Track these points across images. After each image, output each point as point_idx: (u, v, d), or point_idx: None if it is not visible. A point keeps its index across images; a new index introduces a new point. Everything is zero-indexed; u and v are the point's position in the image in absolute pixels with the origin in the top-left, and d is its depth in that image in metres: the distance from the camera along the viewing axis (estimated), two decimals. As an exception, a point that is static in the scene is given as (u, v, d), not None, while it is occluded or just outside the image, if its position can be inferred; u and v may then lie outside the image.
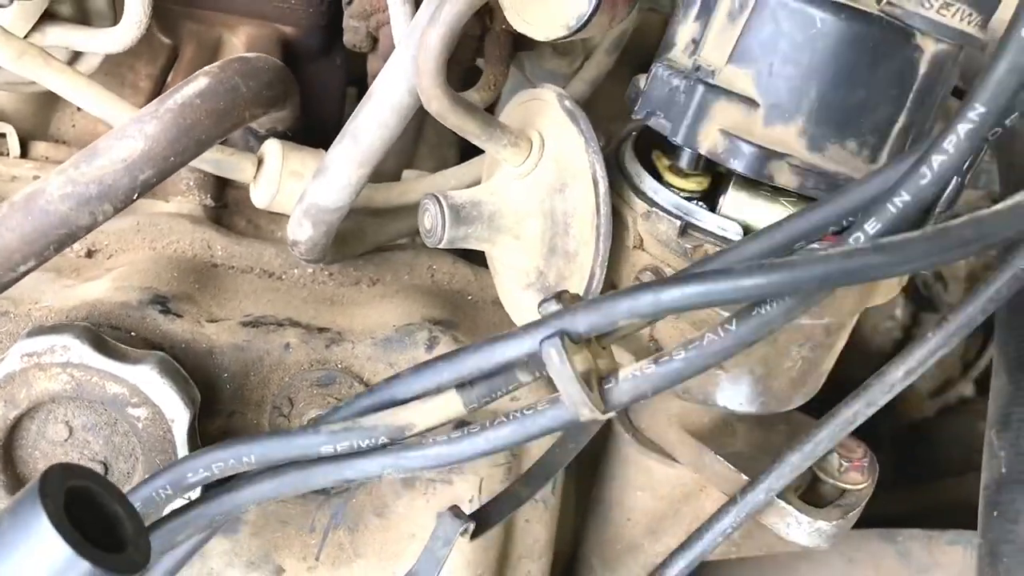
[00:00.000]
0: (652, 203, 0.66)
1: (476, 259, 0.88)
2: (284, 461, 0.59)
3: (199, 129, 0.64)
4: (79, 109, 1.00)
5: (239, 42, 0.97)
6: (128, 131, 0.62)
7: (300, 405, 0.74)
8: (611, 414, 0.55)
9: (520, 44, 0.87)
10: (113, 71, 0.94)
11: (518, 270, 0.72)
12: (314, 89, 0.96)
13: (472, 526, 0.65)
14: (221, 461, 0.59)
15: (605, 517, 0.84)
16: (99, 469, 0.68)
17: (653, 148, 0.70)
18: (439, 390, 0.59)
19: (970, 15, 0.59)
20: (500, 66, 0.82)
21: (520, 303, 0.74)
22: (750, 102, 0.62)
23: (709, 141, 0.63)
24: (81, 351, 0.63)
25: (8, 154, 0.90)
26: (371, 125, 0.66)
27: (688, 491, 0.79)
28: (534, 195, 0.69)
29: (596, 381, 0.54)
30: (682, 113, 0.63)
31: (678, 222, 0.64)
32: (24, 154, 0.91)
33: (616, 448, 0.82)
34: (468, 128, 0.66)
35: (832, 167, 0.62)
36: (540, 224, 0.69)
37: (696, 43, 0.64)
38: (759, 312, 0.53)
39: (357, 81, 1.07)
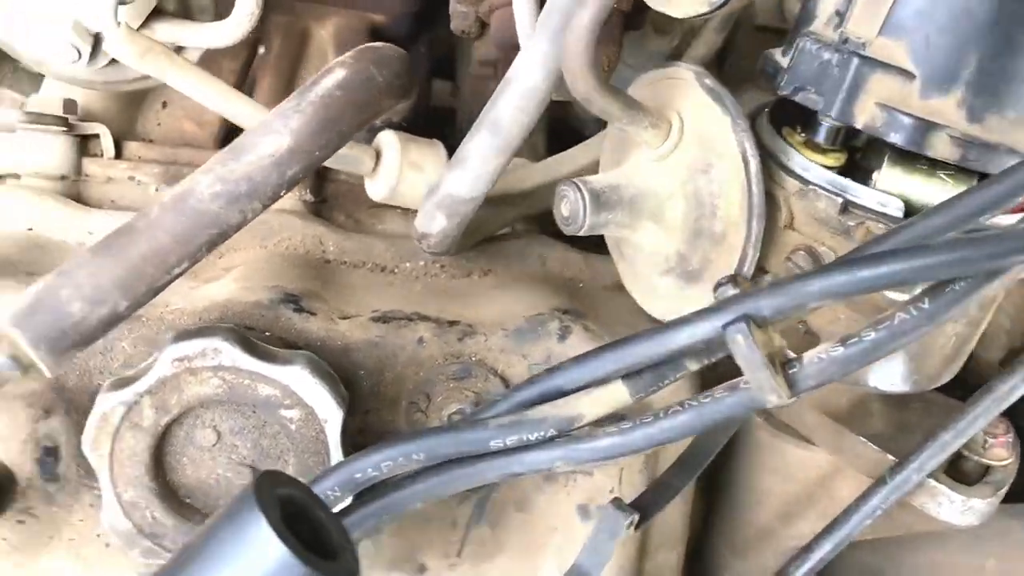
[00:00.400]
0: (804, 181, 0.64)
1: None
2: (453, 456, 0.58)
3: (341, 121, 0.63)
4: (164, 107, 1.00)
5: (326, 33, 0.95)
6: (273, 126, 0.61)
7: (437, 400, 0.72)
8: (796, 399, 0.54)
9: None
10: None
11: (656, 255, 0.71)
12: None
13: (637, 518, 0.63)
14: (390, 460, 0.57)
15: (735, 502, 0.83)
16: (247, 474, 0.66)
17: (782, 124, 0.68)
18: (604, 380, 0.58)
19: None
20: (613, 46, 0.80)
21: (656, 289, 0.73)
22: (906, 73, 0.60)
23: (865, 115, 0.61)
24: (232, 353, 0.62)
25: (102, 155, 0.89)
26: (511, 113, 0.65)
27: (823, 474, 0.78)
28: (676, 177, 0.67)
29: (780, 366, 0.53)
30: (836, 88, 0.61)
31: (838, 199, 0.62)
32: (118, 154, 0.90)
33: (747, 432, 0.80)
34: (612, 110, 0.64)
35: (992, 138, 0.61)
36: (683, 206, 0.67)
37: (841, 15, 0.63)
38: (952, 289, 0.51)
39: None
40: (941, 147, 0.60)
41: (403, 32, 0.97)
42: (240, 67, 0.97)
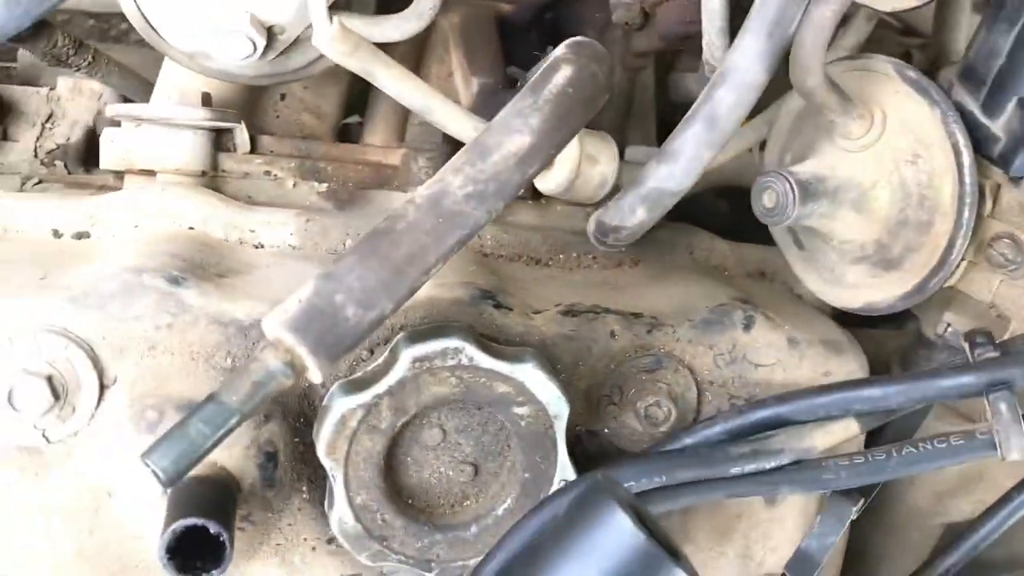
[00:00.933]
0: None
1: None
2: (691, 480, 0.60)
3: (573, 118, 0.63)
4: (283, 99, 0.97)
5: (449, 23, 0.94)
6: (514, 125, 0.60)
7: (630, 393, 0.73)
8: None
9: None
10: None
11: (850, 244, 0.72)
12: (514, 62, 0.94)
13: (863, 502, 0.65)
14: (632, 481, 0.59)
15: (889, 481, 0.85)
16: (469, 471, 0.66)
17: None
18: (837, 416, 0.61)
19: None
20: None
21: (842, 277, 0.74)
22: None
23: None
24: (472, 352, 0.61)
25: (235, 149, 0.86)
26: (728, 107, 0.65)
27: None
28: (881, 167, 0.69)
29: None
30: None
31: (1059, 187, 0.64)
32: (253, 149, 0.87)
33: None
34: (828, 102, 0.65)
35: None
36: (888, 196, 0.69)
37: None
38: None
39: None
40: None
41: (525, 19, 0.96)
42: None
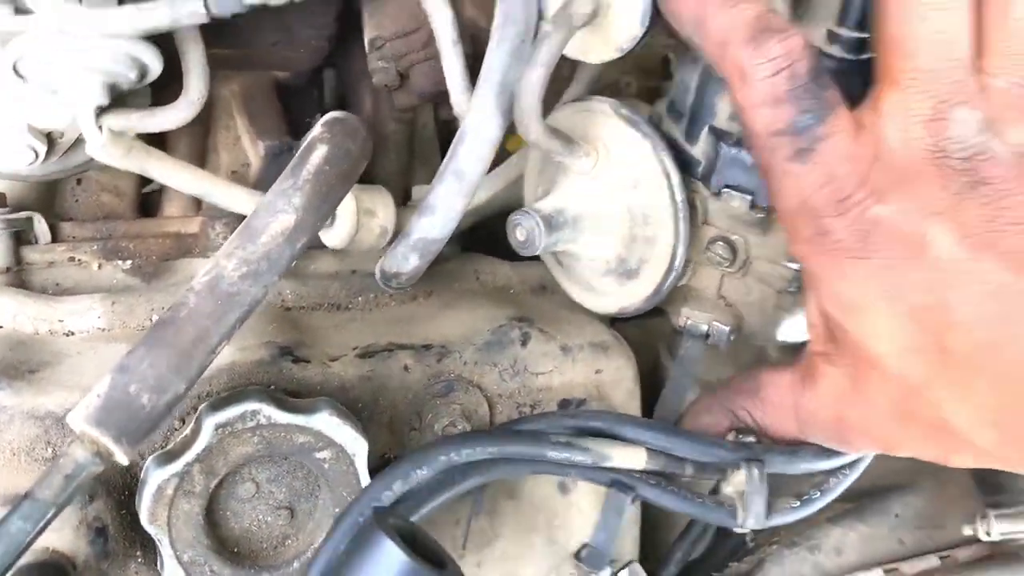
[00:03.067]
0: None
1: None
2: (516, 456, 0.72)
3: (333, 192, 0.71)
4: (79, 183, 1.02)
5: (231, 92, 1.00)
6: (278, 206, 0.68)
7: (427, 417, 0.82)
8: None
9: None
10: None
11: (595, 261, 0.83)
12: (294, 117, 1.02)
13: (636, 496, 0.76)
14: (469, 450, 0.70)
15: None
16: (286, 515, 0.74)
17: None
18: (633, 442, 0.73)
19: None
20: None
21: (596, 288, 0.85)
22: None
23: None
24: (269, 411, 0.69)
25: (37, 241, 0.91)
26: (472, 161, 0.74)
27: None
28: (609, 194, 0.79)
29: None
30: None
31: (748, 197, 0.76)
32: (54, 238, 0.92)
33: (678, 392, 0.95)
34: (552, 147, 0.76)
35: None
36: (619, 219, 0.80)
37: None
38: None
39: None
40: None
41: (301, 82, 1.03)
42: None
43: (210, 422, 0.68)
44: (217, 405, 0.69)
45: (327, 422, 0.71)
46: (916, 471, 1.05)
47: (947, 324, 0.57)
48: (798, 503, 0.76)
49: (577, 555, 0.87)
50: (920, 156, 0.57)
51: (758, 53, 0.59)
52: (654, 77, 1.11)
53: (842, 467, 0.77)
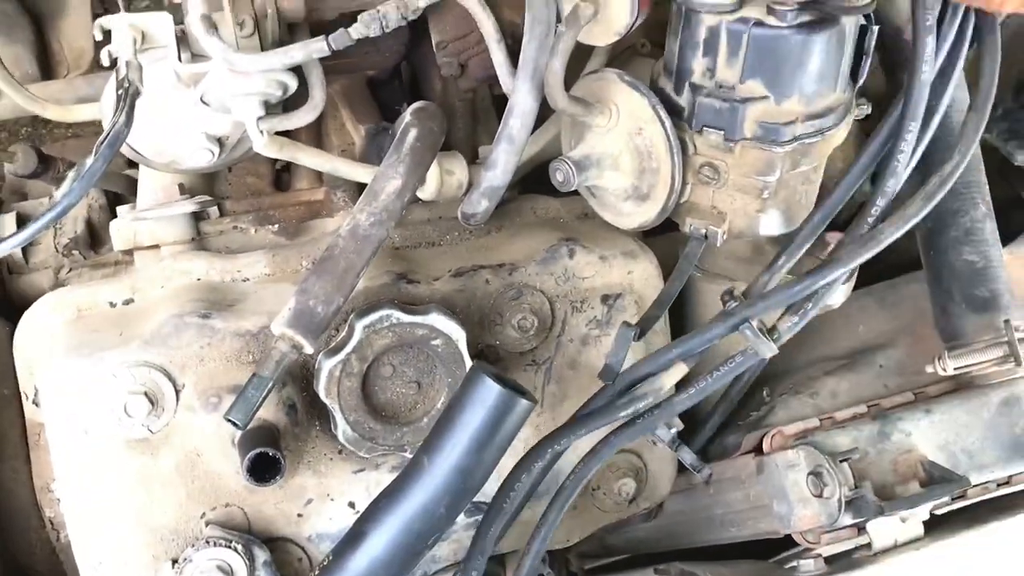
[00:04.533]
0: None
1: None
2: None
3: (424, 162, 1.02)
4: (230, 171, 1.34)
5: (334, 92, 1.31)
6: (389, 174, 0.99)
7: (506, 315, 1.13)
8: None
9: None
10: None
11: (618, 189, 1.12)
12: (383, 104, 1.33)
13: (639, 331, 1.06)
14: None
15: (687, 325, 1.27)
16: (415, 387, 1.06)
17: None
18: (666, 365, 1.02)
19: None
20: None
21: (622, 210, 1.14)
22: (766, 98, 1.01)
23: (750, 131, 1.01)
24: (397, 315, 1.01)
25: (209, 217, 1.24)
26: (519, 129, 1.04)
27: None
28: (621, 140, 1.08)
29: (768, 333, 0.98)
30: (731, 122, 1.00)
31: (722, 132, 1.04)
32: (221, 213, 1.25)
33: (692, 284, 1.24)
34: (575, 111, 1.05)
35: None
36: (631, 157, 1.09)
37: (711, 70, 1.02)
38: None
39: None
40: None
41: (386, 77, 1.34)
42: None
43: (360, 324, 1.00)
44: (362, 313, 1.01)
45: (437, 319, 1.03)
46: (898, 331, 1.32)
47: None
48: (796, 318, 1.01)
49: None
50: None
51: None
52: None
53: (816, 291, 1.02)
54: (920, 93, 0.98)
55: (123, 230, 1.20)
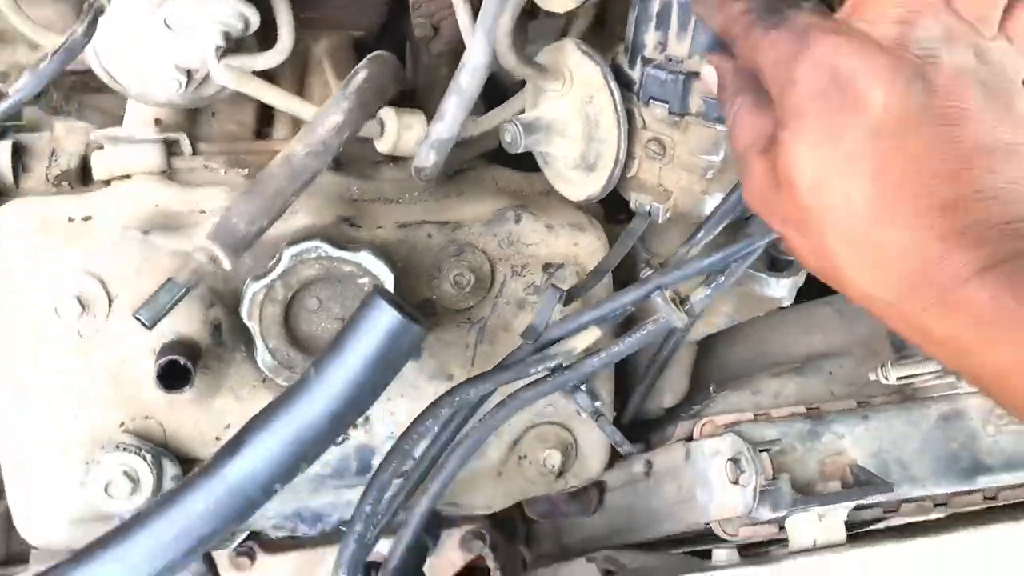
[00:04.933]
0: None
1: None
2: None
3: (369, 104, 1.04)
4: (214, 115, 1.39)
5: (320, 49, 1.35)
6: (331, 109, 1.02)
7: (444, 270, 1.15)
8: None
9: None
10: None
11: (567, 157, 1.13)
12: None
13: (565, 294, 1.06)
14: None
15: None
16: (338, 323, 1.08)
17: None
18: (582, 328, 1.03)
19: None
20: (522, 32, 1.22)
21: (570, 180, 1.15)
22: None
23: (695, 106, 1.03)
24: (326, 248, 1.03)
25: (182, 153, 1.28)
26: (469, 81, 1.06)
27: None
28: (572, 107, 1.10)
29: (679, 304, 0.99)
30: (675, 94, 1.02)
31: (666, 105, 1.05)
32: (194, 151, 1.29)
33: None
34: (528, 73, 1.07)
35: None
36: (580, 124, 1.10)
37: (663, 44, 1.04)
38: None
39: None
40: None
41: (373, 40, 1.38)
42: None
43: (287, 252, 1.03)
44: (292, 242, 1.04)
45: (366, 258, 1.05)
46: (852, 343, 1.31)
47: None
48: (709, 290, 1.02)
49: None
50: (883, 40, 0.66)
51: None
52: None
53: (729, 264, 1.02)
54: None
55: (101, 160, 1.24)
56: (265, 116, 1.44)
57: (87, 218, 1.16)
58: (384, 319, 0.86)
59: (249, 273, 1.05)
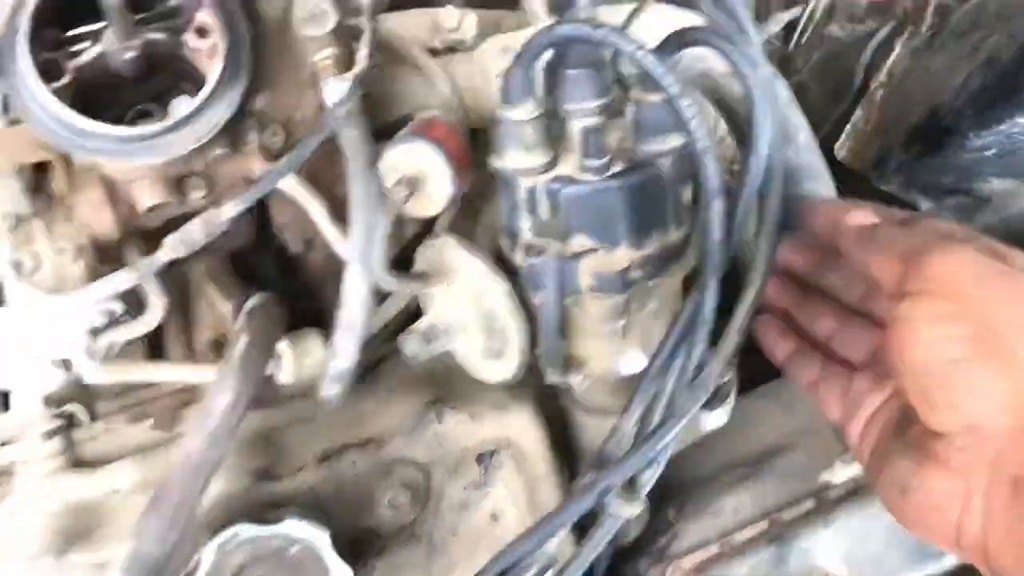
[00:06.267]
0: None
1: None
2: None
3: (256, 367, 0.99)
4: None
5: (198, 273, 1.28)
6: (220, 387, 0.96)
7: (378, 495, 1.10)
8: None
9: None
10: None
11: (475, 349, 1.09)
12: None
13: None
14: None
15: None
16: (285, 596, 1.02)
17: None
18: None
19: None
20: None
21: (482, 367, 1.11)
22: (595, 250, 0.97)
23: (586, 283, 0.99)
24: (248, 530, 0.98)
25: (81, 424, 1.21)
26: (355, 314, 1.01)
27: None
28: (465, 303, 1.06)
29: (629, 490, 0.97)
30: (566, 279, 0.99)
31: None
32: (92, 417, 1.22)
33: (573, 421, 1.20)
34: (412, 288, 1.03)
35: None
36: (476, 319, 1.06)
37: (540, 226, 1.00)
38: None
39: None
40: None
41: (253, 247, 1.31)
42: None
43: (210, 547, 0.97)
44: (214, 532, 0.98)
45: (291, 526, 0.99)
46: (798, 432, 1.29)
47: None
48: (651, 472, 0.99)
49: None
50: None
51: None
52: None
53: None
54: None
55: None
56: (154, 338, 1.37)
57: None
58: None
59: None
